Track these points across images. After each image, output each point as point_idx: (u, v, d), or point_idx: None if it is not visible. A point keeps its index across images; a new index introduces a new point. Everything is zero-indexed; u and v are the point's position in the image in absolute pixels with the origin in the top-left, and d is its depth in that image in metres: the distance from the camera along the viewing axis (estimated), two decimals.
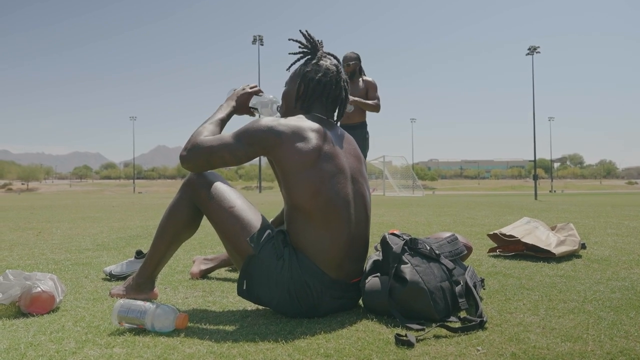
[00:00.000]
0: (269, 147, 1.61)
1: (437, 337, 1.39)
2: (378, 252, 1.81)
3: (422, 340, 1.36)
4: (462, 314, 1.60)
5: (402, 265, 1.60)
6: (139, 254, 2.42)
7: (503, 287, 2.07)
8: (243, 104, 1.89)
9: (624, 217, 6.36)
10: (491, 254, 3.06)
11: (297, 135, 1.60)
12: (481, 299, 1.71)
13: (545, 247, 2.81)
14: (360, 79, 4.20)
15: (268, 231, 1.64)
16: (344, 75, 1.80)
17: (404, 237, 1.73)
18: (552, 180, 71.27)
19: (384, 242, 1.70)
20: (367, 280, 1.69)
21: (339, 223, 1.61)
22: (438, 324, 1.46)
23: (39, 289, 1.67)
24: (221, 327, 1.52)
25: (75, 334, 1.45)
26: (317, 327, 1.50)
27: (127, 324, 1.48)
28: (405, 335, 1.33)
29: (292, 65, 1.84)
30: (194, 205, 1.75)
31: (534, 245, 2.86)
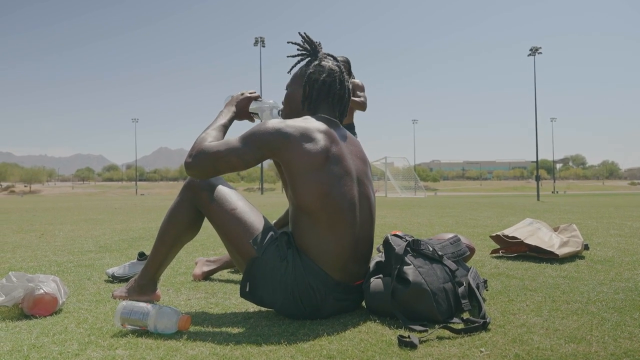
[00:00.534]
0: (277, 149, 1.59)
1: (440, 338, 1.38)
2: (380, 254, 1.80)
3: (425, 341, 1.35)
4: (465, 315, 1.59)
5: (405, 267, 1.60)
6: (141, 255, 2.43)
7: (506, 288, 2.06)
8: (243, 109, 1.89)
9: (626, 218, 6.35)
10: (494, 255, 3.05)
11: (305, 136, 1.59)
12: (484, 300, 1.71)
13: (548, 249, 2.80)
14: (354, 85, 4.29)
15: (271, 233, 1.64)
16: (346, 76, 1.80)
17: (407, 238, 1.72)
18: (554, 181, 71.17)
19: (386, 244, 1.70)
20: (369, 282, 1.69)
21: (345, 225, 1.60)
22: (441, 325, 1.45)
23: (42, 291, 1.67)
24: (224, 328, 1.52)
25: (78, 335, 1.45)
26: (319, 328, 1.50)
27: (129, 326, 1.48)
28: (408, 337, 1.33)
29: (293, 67, 1.83)
30: (194, 208, 1.75)
31: (537, 247, 2.85)
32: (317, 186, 1.57)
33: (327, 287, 1.59)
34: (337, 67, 1.77)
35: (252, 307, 1.79)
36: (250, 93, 1.91)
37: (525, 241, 2.89)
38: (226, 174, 1.71)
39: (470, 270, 1.74)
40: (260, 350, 1.30)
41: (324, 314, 1.61)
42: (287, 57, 1.84)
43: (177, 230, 1.78)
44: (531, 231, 3.03)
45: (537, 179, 30.89)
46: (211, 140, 1.68)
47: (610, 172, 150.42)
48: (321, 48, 1.83)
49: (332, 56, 1.82)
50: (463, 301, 1.61)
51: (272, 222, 2.39)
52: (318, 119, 1.69)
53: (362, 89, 4.29)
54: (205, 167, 1.63)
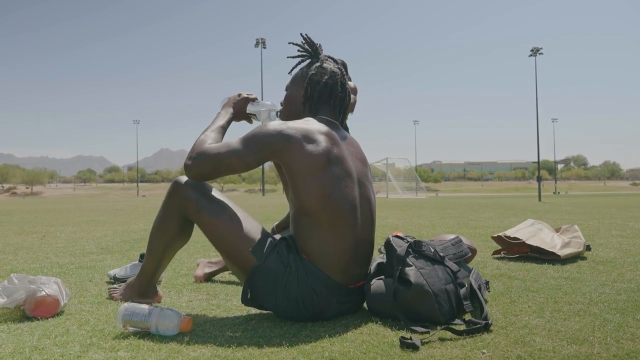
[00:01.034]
0: (278, 151, 1.58)
1: (442, 340, 1.38)
2: (382, 255, 1.80)
3: (427, 343, 1.35)
4: (467, 317, 1.59)
5: (407, 268, 1.59)
6: (142, 257, 2.43)
7: (508, 289, 2.06)
8: (241, 111, 1.88)
9: (628, 219, 6.34)
10: (495, 256, 3.05)
11: (307, 138, 1.58)
12: (486, 301, 1.70)
13: (550, 249, 2.80)
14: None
15: (270, 239, 1.63)
16: (347, 79, 1.80)
17: (408, 239, 1.72)
18: (555, 182, 71.10)
19: (388, 245, 1.70)
20: (371, 283, 1.68)
21: (346, 227, 1.60)
22: (443, 326, 1.45)
23: (44, 293, 1.67)
24: (225, 330, 1.52)
25: (80, 337, 1.45)
26: (321, 330, 1.50)
27: (131, 328, 1.48)
28: (410, 338, 1.33)
29: (293, 68, 1.83)
30: (182, 216, 1.70)
31: (539, 247, 2.85)
32: (318, 188, 1.56)
33: (329, 290, 1.58)
34: (338, 70, 1.77)
35: (253, 309, 1.79)
36: (247, 95, 1.90)
37: (527, 242, 2.89)
38: (227, 176, 1.70)
39: (472, 272, 1.74)
40: (262, 352, 1.30)
41: (326, 317, 1.60)
42: (288, 57, 1.83)
43: (166, 239, 1.75)
44: (533, 232, 3.03)
45: (539, 179, 30.86)
46: (211, 142, 1.66)
47: (611, 172, 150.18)
48: (322, 50, 1.82)
49: (332, 58, 1.82)
50: (465, 302, 1.61)
51: (275, 224, 2.39)
52: (319, 120, 1.69)
53: (354, 91, 4.32)
54: (205, 169, 1.61)
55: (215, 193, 1.68)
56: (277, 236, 2.07)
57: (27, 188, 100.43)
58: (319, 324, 1.57)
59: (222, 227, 1.62)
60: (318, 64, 1.77)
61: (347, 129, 4.42)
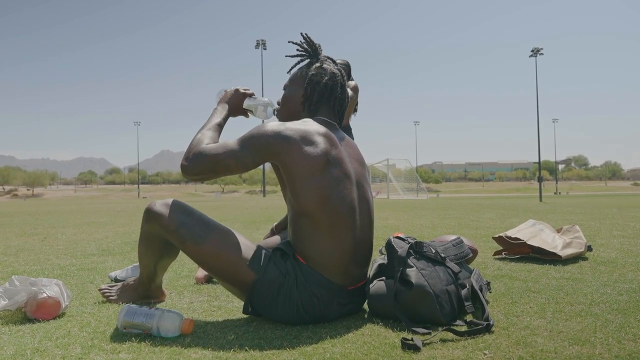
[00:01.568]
0: (276, 152, 1.56)
1: (443, 341, 1.38)
2: (383, 256, 1.80)
3: (428, 344, 1.35)
4: (469, 318, 1.59)
5: (408, 269, 1.59)
6: None
7: (509, 290, 2.06)
8: (237, 106, 1.85)
9: (630, 219, 6.33)
10: (497, 256, 3.04)
11: (305, 139, 1.57)
12: (487, 302, 1.70)
13: (551, 250, 2.79)
14: (347, 85, 4.38)
15: (264, 251, 1.61)
16: (351, 78, 1.80)
17: (409, 240, 1.72)
18: (556, 182, 71.04)
19: (389, 246, 1.70)
20: (372, 284, 1.68)
21: (345, 229, 1.59)
22: (444, 327, 1.45)
23: (45, 295, 1.67)
24: (227, 332, 1.52)
25: (81, 339, 1.45)
26: (322, 331, 1.50)
27: (132, 329, 1.48)
28: (412, 339, 1.32)
29: (292, 67, 1.81)
30: (164, 240, 1.67)
31: (540, 248, 2.84)
32: (317, 190, 1.55)
33: (330, 293, 1.58)
34: (338, 71, 1.76)
35: None
36: (244, 90, 1.88)
37: (528, 242, 2.89)
38: (226, 176, 1.68)
39: (473, 272, 1.74)
40: (263, 354, 1.30)
41: (328, 320, 1.60)
42: (286, 56, 1.81)
43: (154, 259, 1.75)
44: (534, 232, 3.02)
45: (540, 180, 30.84)
46: (208, 142, 1.63)
47: (612, 172, 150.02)
48: (322, 50, 1.81)
49: (332, 59, 1.81)
50: (466, 303, 1.61)
51: (274, 224, 2.39)
52: (317, 121, 1.68)
53: (355, 90, 4.36)
54: (202, 170, 1.59)
55: (193, 213, 1.64)
56: (270, 241, 2.07)
57: (28, 190, 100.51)
58: (320, 325, 1.57)
59: (209, 251, 1.58)
60: (318, 64, 1.75)
61: (350, 131, 4.47)
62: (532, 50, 37.09)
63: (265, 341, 1.41)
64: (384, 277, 1.69)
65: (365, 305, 1.74)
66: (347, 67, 4.45)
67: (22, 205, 21.38)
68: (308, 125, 1.62)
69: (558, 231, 3.17)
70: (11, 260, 3.25)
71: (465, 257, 1.78)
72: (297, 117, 1.75)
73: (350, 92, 4.32)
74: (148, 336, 1.46)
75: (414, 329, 1.45)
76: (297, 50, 1.80)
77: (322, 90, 1.72)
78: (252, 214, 9.28)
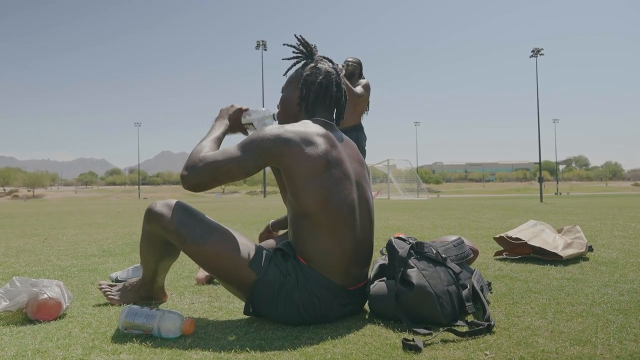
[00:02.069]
0: (277, 155, 1.56)
1: (444, 341, 1.38)
2: (384, 256, 1.80)
3: (429, 344, 1.35)
4: (470, 318, 1.59)
5: (409, 270, 1.59)
6: None
7: (510, 290, 2.05)
8: (236, 122, 1.86)
9: (630, 219, 6.32)
10: (497, 257, 3.04)
11: (305, 141, 1.57)
12: (488, 302, 1.70)
13: (552, 250, 2.79)
14: (359, 83, 4.39)
15: (265, 252, 1.61)
16: (343, 78, 1.80)
17: (410, 240, 1.72)
18: (557, 183, 71.00)
19: (390, 246, 1.70)
20: (373, 285, 1.68)
21: (346, 229, 1.59)
22: (445, 328, 1.45)
23: (46, 296, 1.67)
24: (227, 332, 1.52)
25: (82, 340, 1.45)
26: (323, 332, 1.50)
27: (133, 330, 1.48)
28: (413, 340, 1.32)
29: (288, 70, 1.81)
30: (164, 240, 1.67)
31: (541, 248, 2.84)
32: (317, 191, 1.55)
33: (331, 293, 1.58)
34: (333, 70, 1.76)
35: None
36: (240, 106, 1.88)
37: (529, 242, 2.88)
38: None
39: (474, 273, 1.74)
40: (264, 355, 1.30)
41: (329, 321, 1.60)
42: (283, 59, 1.82)
43: (155, 259, 1.76)
44: (535, 232, 3.02)
45: (540, 180, 30.81)
46: (207, 151, 1.63)
47: (613, 173, 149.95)
48: (317, 51, 1.82)
49: (327, 59, 1.81)
50: (467, 304, 1.61)
51: (270, 221, 2.38)
52: (316, 122, 1.68)
53: (364, 85, 4.36)
54: (203, 178, 1.57)
55: (193, 214, 1.63)
56: (270, 242, 2.06)
57: (28, 191, 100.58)
58: (321, 326, 1.57)
59: (210, 252, 1.58)
60: (312, 64, 1.76)
61: (362, 129, 4.49)
62: (533, 51, 37.08)
63: (266, 342, 1.41)
64: (384, 278, 1.69)
65: (366, 306, 1.74)
66: (359, 66, 4.46)
67: (22, 206, 21.39)
68: (307, 127, 1.62)
69: (559, 231, 3.16)
70: (12, 261, 3.25)
71: (466, 257, 1.78)
72: (295, 119, 1.75)
73: (361, 89, 4.33)
74: (149, 337, 1.46)
75: (415, 329, 1.45)
76: (293, 52, 1.81)
77: (317, 90, 1.72)
78: (252, 215, 9.28)
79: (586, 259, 2.88)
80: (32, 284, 1.74)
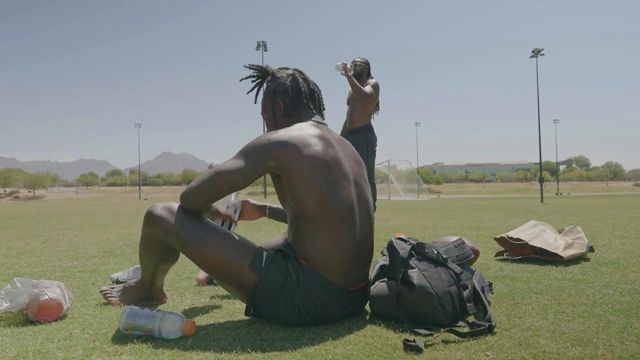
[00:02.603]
0: (275, 158, 1.56)
1: (445, 342, 1.38)
2: (385, 257, 1.80)
3: (430, 345, 1.35)
4: (471, 319, 1.59)
5: (410, 270, 1.59)
6: None
7: (511, 291, 2.05)
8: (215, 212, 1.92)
9: (631, 219, 6.32)
10: (498, 257, 3.04)
11: (302, 142, 1.58)
12: (489, 303, 1.70)
13: (553, 250, 2.79)
14: (367, 83, 4.38)
15: (265, 253, 1.61)
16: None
17: (411, 241, 1.72)
18: (558, 183, 70.94)
19: (390, 247, 1.70)
20: (374, 286, 1.68)
21: (345, 229, 1.59)
22: (446, 329, 1.45)
23: (47, 297, 1.67)
24: (228, 333, 1.52)
25: (83, 341, 1.45)
26: (324, 333, 1.50)
27: (134, 331, 1.48)
28: (414, 341, 1.32)
29: (256, 96, 1.86)
30: (164, 244, 1.67)
31: (542, 249, 2.84)
32: (317, 192, 1.55)
33: (332, 294, 1.58)
34: (292, 71, 1.81)
35: None
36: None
37: (530, 243, 2.88)
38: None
39: (475, 273, 1.74)
40: (265, 355, 1.30)
41: (329, 322, 1.60)
42: (247, 93, 1.87)
43: (154, 262, 1.76)
44: (536, 233, 3.02)
45: (541, 180, 30.77)
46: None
47: (614, 173, 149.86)
48: (270, 67, 1.86)
49: (282, 68, 1.85)
50: (468, 304, 1.61)
51: (268, 204, 2.35)
52: (310, 124, 1.69)
53: (372, 84, 4.37)
54: (204, 190, 1.59)
55: (193, 217, 1.64)
56: (270, 243, 2.06)
57: (29, 192, 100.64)
58: (322, 326, 1.57)
59: (211, 254, 1.59)
60: (271, 77, 1.81)
61: (372, 130, 4.51)
62: (533, 51, 37.06)
63: (267, 342, 1.41)
64: (385, 279, 1.69)
65: (367, 307, 1.74)
66: (367, 65, 4.47)
67: (23, 207, 21.39)
68: (302, 129, 1.64)
69: (560, 232, 3.16)
70: (13, 262, 3.25)
71: (467, 258, 1.78)
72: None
73: (370, 89, 4.33)
74: (150, 338, 1.46)
75: (416, 330, 1.45)
76: (252, 81, 1.86)
77: (292, 94, 1.76)
78: None
79: (587, 260, 2.87)
80: (33, 285, 1.74)
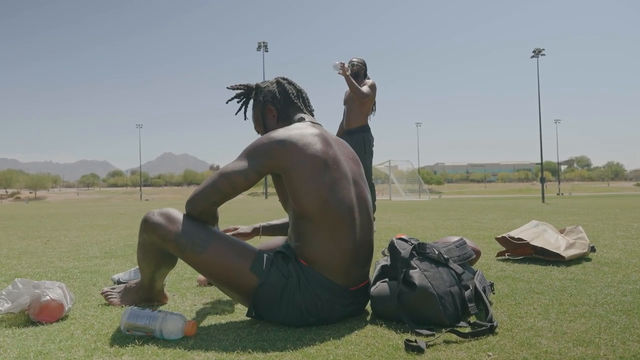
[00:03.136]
0: (275, 157, 1.57)
1: (447, 342, 1.38)
2: (386, 257, 1.80)
3: (432, 345, 1.35)
4: (472, 319, 1.58)
5: (411, 270, 1.59)
6: None
7: (513, 291, 2.05)
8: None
9: (633, 219, 6.31)
10: (500, 257, 3.03)
11: (302, 141, 1.58)
12: (491, 303, 1.70)
13: (554, 250, 2.79)
14: (365, 83, 4.41)
15: (265, 255, 1.61)
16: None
17: (412, 241, 1.72)
18: (559, 183, 70.86)
19: (392, 247, 1.70)
20: (375, 286, 1.68)
21: (345, 229, 1.59)
22: (448, 329, 1.45)
23: (48, 298, 1.67)
24: (230, 333, 1.52)
25: (85, 342, 1.45)
26: (325, 333, 1.50)
27: (136, 332, 1.48)
28: (415, 341, 1.32)
29: (245, 112, 1.89)
30: (162, 250, 1.66)
31: (543, 249, 2.84)
32: (317, 191, 1.55)
33: (333, 294, 1.58)
34: (276, 78, 1.84)
35: None
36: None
37: (531, 243, 2.88)
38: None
39: (477, 274, 1.74)
40: (267, 356, 1.30)
41: (331, 322, 1.60)
42: (235, 114, 1.91)
43: (152, 267, 1.75)
44: (537, 233, 3.01)
45: (542, 180, 30.74)
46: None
47: (615, 173, 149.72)
48: (252, 83, 1.88)
49: (268, 82, 1.87)
50: (470, 305, 1.60)
51: (261, 224, 2.35)
52: (307, 124, 1.69)
53: (369, 84, 4.39)
54: (208, 193, 1.59)
55: (190, 222, 1.62)
56: (270, 244, 2.06)
57: (30, 193, 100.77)
58: (324, 327, 1.57)
59: (210, 259, 1.58)
60: (257, 90, 1.84)
61: (369, 130, 4.53)
62: (534, 51, 37.03)
63: (268, 343, 1.41)
64: (387, 279, 1.68)
65: (368, 307, 1.74)
66: (364, 66, 4.50)
67: (24, 208, 21.42)
68: (301, 129, 1.64)
69: (561, 232, 3.16)
70: (14, 263, 3.26)
71: (469, 258, 1.78)
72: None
73: (367, 89, 4.36)
74: (151, 338, 1.46)
75: (417, 330, 1.45)
76: (237, 101, 1.89)
77: (280, 99, 1.78)
78: (254, 216, 9.28)
79: (589, 260, 2.87)
80: (35, 285, 1.74)
